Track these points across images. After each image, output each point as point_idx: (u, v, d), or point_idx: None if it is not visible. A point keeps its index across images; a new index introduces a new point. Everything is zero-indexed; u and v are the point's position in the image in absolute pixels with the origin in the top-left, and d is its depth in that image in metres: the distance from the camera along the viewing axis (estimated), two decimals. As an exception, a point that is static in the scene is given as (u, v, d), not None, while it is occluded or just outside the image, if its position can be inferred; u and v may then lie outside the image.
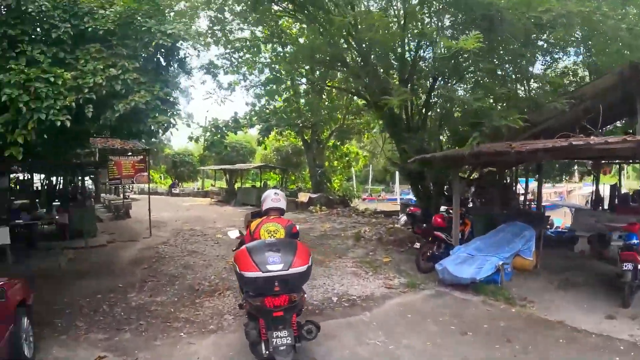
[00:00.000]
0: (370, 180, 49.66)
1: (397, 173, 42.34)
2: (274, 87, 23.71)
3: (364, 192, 39.51)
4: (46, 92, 6.36)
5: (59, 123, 6.40)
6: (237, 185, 34.48)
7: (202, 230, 16.92)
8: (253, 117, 22.88)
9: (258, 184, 32.32)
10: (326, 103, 24.62)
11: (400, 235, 13.99)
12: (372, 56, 13.39)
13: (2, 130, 6.33)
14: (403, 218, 16.52)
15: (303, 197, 25.82)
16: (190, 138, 20.05)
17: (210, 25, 17.42)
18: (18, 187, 22.72)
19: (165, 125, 7.75)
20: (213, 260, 11.50)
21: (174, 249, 13.41)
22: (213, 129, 19.93)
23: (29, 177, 22.70)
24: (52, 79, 6.48)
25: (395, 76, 13.36)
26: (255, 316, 4.86)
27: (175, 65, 9.18)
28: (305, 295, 5.20)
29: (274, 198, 5.62)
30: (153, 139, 42.25)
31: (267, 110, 23.97)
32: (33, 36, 7.13)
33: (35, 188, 23.58)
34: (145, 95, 7.15)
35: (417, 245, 10.80)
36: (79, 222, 14.62)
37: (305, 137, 27.02)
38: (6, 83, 6.24)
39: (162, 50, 8.05)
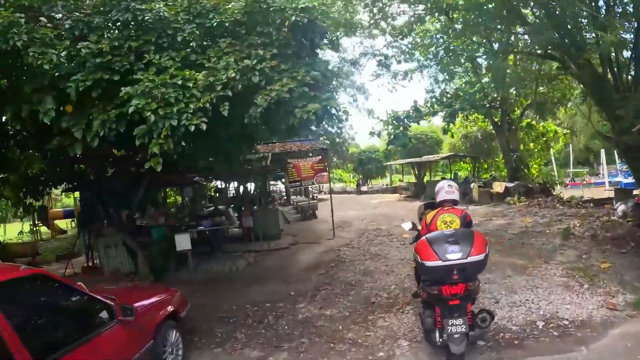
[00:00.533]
0: (571, 162, 44.11)
1: (602, 153, 36.81)
2: (452, 65, 22.53)
3: (566, 177, 34.67)
4: (175, 96, 6.12)
5: (192, 127, 6.08)
6: (425, 178, 32.88)
7: (388, 229, 16.06)
8: (435, 104, 21.26)
9: (448, 176, 30.32)
10: (510, 72, 21.83)
11: (620, 231, 11.09)
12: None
13: (143, 141, 6.19)
14: (621, 207, 13.23)
15: (498, 187, 23.26)
16: (372, 133, 19.46)
17: (370, 13, 16.13)
18: (217, 194, 24.22)
19: (319, 113, 6.90)
20: (396, 266, 10.57)
21: (355, 251, 12.81)
22: (394, 121, 19.07)
23: (226, 184, 24.16)
24: (180, 82, 6.22)
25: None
26: (431, 304, 5.21)
27: (323, 47, 8.11)
28: (480, 284, 5.42)
29: (447, 190, 5.82)
30: (337, 139, 43.23)
31: (448, 95, 22.05)
32: (160, 42, 6.66)
33: (232, 194, 24.79)
34: (288, 82, 6.52)
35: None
36: (262, 225, 15.11)
37: (495, 119, 24.27)
38: (134, 94, 6.07)
39: (300, 29, 7.26)
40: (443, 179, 29.12)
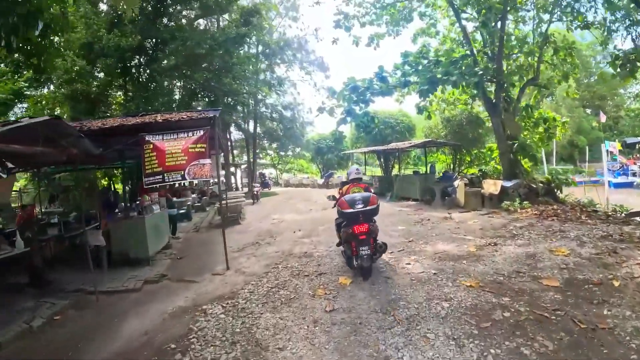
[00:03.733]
0: (554, 158, 39.16)
1: (603, 147, 31.40)
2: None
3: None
4: None
5: None
6: (394, 171, 26.70)
7: (327, 251, 10.58)
8: (408, 71, 15.72)
9: (423, 169, 24.13)
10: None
11: None
12: None
13: None
14: None
15: (491, 186, 17.38)
16: (321, 109, 15.85)
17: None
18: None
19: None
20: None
21: (228, 323, 6.49)
22: (350, 92, 15.67)
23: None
24: None
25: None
26: (349, 241, 7.99)
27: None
28: (377, 227, 8.19)
29: (356, 172, 9.13)
30: (290, 123, 36.85)
31: (426, 59, 16.62)
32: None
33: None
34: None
35: None
36: (121, 242, 10.41)
37: (489, 97, 18.17)
38: None
39: None
40: (415, 172, 23.12)
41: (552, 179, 18.50)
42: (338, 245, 9.25)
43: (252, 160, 36.75)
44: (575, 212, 14.03)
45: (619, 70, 14.76)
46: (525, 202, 15.78)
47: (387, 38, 21.07)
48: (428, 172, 22.18)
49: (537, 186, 17.69)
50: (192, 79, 21.74)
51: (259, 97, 35.09)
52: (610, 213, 14.09)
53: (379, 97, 16.26)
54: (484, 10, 16.50)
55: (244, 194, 26.74)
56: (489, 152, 24.31)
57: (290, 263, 9.56)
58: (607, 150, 47.68)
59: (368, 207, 7.93)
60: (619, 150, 45.75)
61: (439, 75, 15.32)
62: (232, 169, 39.53)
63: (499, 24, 17.60)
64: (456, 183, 17.95)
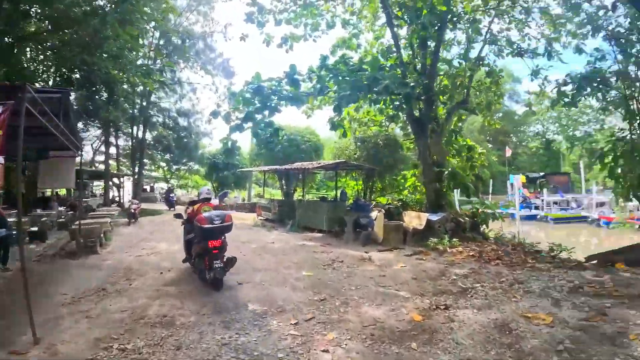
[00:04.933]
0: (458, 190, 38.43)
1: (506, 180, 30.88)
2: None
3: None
4: None
5: None
6: (297, 194, 23.44)
7: (199, 315, 6.83)
8: (325, 76, 13.44)
9: (331, 194, 21.04)
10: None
11: None
12: None
13: None
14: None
15: (414, 219, 14.70)
16: (215, 113, 12.98)
17: None
18: None
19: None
20: None
21: None
22: (253, 95, 12.70)
23: None
24: None
25: None
26: (203, 256, 8.36)
27: None
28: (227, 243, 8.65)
29: (207, 192, 9.90)
30: (182, 132, 32.78)
31: (349, 66, 14.07)
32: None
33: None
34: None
35: None
36: None
37: (416, 115, 15.61)
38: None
39: None
40: (323, 198, 19.94)
41: (478, 212, 16.05)
42: (185, 261, 9.88)
43: (137, 171, 31.73)
44: (518, 254, 11.96)
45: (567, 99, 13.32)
46: (454, 240, 13.26)
47: (303, 43, 18.11)
48: (338, 198, 19.02)
49: (464, 220, 15.21)
50: (59, 54, 17.40)
51: (152, 98, 30.54)
52: (553, 254, 12.40)
53: (287, 107, 13.27)
54: (425, 11, 13.86)
55: (116, 211, 22.24)
56: (402, 180, 21.78)
57: (133, 341, 5.59)
58: (512, 184, 48.53)
59: (225, 224, 8.47)
60: (522, 184, 46.69)
61: (364, 82, 12.39)
62: (116, 180, 34.34)
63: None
64: (373, 214, 14.87)
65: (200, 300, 7.30)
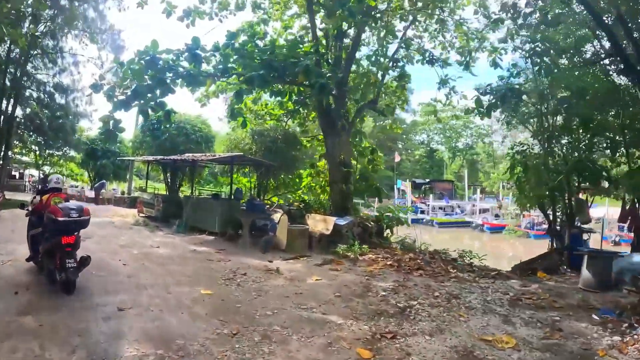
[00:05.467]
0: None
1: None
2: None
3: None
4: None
5: None
6: (184, 190, 21.17)
7: None
8: (230, 55, 11.92)
9: (225, 191, 19.13)
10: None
11: None
12: None
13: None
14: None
15: (319, 223, 13.50)
16: (96, 87, 10.82)
17: None
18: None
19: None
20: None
21: None
22: (145, 68, 10.52)
23: None
24: None
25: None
26: (52, 254, 7.24)
27: None
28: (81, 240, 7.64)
29: (56, 181, 8.37)
30: (46, 109, 28.65)
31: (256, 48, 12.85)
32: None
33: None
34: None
35: None
36: None
37: (327, 110, 14.49)
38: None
39: None
40: (215, 196, 18.04)
41: (382, 216, 15.13)
42: (29, 260, 8.50)
43: (2, 153, 26.57)
44: (438, 263, 11.44)
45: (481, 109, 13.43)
46: (364, 246, 12.25)
47: (207, 22, 16.07)
48: (232, 195, 17.10)
49: (371, 225, 14.18)
50: None
51: (28, 67, 26.24)
52: (469, 262, 12.34)
53: (182, 87, 11.36)
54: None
55: None
56: (296, 180, 20.40)
57: None
58: (399, 189, 49.48)
59: (83, 217, 7.55)
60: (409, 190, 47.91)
61: (278, 63, 10.89)
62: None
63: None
64: (276, 216, 13.19)
65: (69, 341, 5.08)
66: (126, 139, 33.94)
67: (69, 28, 26.67)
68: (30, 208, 8.54)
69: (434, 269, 10.55)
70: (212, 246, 12.62)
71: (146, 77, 10.32)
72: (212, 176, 27.93)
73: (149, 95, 10.38)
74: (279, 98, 16.31)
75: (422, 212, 46.70)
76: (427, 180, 57.34)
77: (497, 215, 46.79)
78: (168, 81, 10.58)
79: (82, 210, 7.57)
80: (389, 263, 10.90)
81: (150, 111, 10.72)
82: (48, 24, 25.62)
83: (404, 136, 75.07)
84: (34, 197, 8.66)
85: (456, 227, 43.79)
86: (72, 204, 7.80)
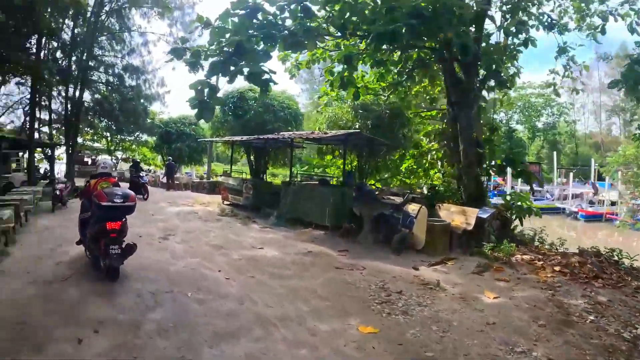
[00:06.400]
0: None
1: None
2: None
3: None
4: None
5: None
6: (270, 176, 19.26)
7: None
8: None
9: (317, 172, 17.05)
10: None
11: None
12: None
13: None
14: None
15: (456, 216, 11.42)
16: (177, 52, 8.73)
17: None
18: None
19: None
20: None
21: None
22: (245, 21, 8.34)
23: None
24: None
25: None
26: (98, 240, 7.11)
27: None
28: (128, 225, 7.43)
29: (103, 166, 8.42)
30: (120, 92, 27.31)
31: None
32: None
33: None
34: None
35: None
36: None
37: (457, 72, 12.11)
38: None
39: None
40: (323, 180, 15.82)
41: (509, 205, 12.51)
42: (78, 243, 8.40)
43: (72, 140, 25.46)
44: (609, 268, 8.92)
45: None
46: (511, 245, 9.99)
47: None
48: (343, 180, 14.87)
49: (509, 217, 11.91)
50: None
51: (95, 49, 25.00)
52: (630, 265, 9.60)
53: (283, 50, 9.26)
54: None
55: (41, 190, 17.42)
56: (397, 162, 17.98)
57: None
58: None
59: (127, 203, 7.40)
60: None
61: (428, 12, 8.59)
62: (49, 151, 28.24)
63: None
64: (412, 208, 10.82)
65: None
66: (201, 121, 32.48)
67: (136, 5, 25.23)
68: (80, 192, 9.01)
69: (610, 276, 8.30)
70: (328, 245, 10.57)
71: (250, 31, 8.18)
72: (296, 159, 25.67)
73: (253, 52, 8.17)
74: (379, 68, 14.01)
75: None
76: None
77: (591, 202, 42.46)
78: (274, 37, 8.45)
79: (128, 196, 7.55)
80: (557, 269, 8.58)
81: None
82: (114, 2, 24.31)
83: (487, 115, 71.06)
84: (87, 182, 8.62)
85: (547, 214, 39.94)
86: (118, 189, 7.73)
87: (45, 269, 7.55)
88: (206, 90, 7.92)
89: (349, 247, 10.40)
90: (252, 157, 21.20)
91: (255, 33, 8.35)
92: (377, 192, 13.94)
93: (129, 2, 25.02)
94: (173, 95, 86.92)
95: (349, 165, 17.64)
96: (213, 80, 8.24)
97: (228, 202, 17.90)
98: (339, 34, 10.47)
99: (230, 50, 8.03)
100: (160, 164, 37.46)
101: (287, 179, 18.23)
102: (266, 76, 8.28)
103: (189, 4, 27.84)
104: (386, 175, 19.24)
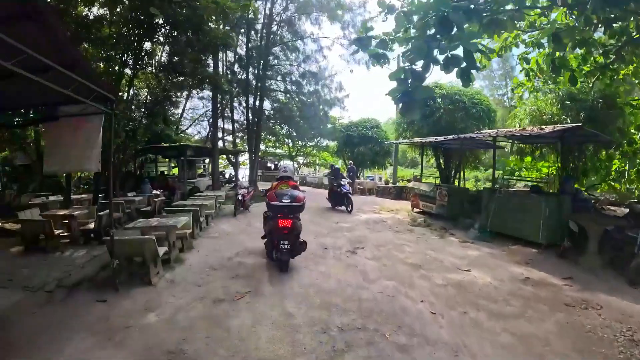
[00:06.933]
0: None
1: None
2: None
3: None
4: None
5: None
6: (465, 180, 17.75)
7: None
8: None
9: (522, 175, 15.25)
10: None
11: None
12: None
13: None
14: None
15: None
16: (360, 41, 6.92)
17: None
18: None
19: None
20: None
21: None
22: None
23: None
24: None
25: None
26: (272, 235, 8.42)
27: None
28: (301, 224, 8.54)
29: (284, 170, 9.49)
30: (312, 98, 28.07)
31: None
32: None
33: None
34: None
35: None
36: None
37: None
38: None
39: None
40: (535, 188, 13.41)
41: None
42: (263, 237, 9.47)
43: (254, 147, 26.84)
44: None
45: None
46: None
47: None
48: (557, 189, 12.90)
49: None
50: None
51: (270, 59, 25.86)
52: None
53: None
54: None
55: (224, 194, 18.11)
56: (605, 163, 15.41)
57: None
58: None
59: (293, 203, 8.35)
60: None
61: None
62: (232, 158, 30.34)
63: None
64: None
65: None
66: (381, 122, 31.94)
67: (305, 12, 25.59)
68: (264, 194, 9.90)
69: None
70: (547, 269, 8.93)
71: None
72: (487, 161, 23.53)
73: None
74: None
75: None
76: None
77: None
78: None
79: (295, 197, 8.48)
80: None
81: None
82: (281, 13, 25.53)
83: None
84: (271, 185, 9.71)
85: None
86: (288, 191, 8.72)
87: (217, 282, 7.36)
88: (409, 79, 6.51)
89: (572, 273, 8.60)
90: (441, 160, 19.68)
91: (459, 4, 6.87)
92: (594, 202, 11.61)
93: (298, 10, 25.50)
94: (352, 98, 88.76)
95: (563, 169, 15.15)
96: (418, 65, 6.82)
97: (418, 210, 16.75)
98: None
99: (431, 30, 6.58)
100: (342, 167, 37.76)
101: (485, 185, 16.40)
102: (465, 63, 6.67)
103: (360, 3, 27.45)
104: (593, 179, 16.40)
